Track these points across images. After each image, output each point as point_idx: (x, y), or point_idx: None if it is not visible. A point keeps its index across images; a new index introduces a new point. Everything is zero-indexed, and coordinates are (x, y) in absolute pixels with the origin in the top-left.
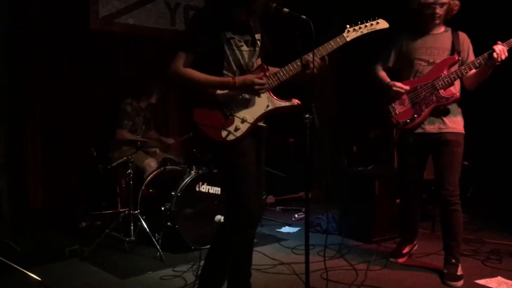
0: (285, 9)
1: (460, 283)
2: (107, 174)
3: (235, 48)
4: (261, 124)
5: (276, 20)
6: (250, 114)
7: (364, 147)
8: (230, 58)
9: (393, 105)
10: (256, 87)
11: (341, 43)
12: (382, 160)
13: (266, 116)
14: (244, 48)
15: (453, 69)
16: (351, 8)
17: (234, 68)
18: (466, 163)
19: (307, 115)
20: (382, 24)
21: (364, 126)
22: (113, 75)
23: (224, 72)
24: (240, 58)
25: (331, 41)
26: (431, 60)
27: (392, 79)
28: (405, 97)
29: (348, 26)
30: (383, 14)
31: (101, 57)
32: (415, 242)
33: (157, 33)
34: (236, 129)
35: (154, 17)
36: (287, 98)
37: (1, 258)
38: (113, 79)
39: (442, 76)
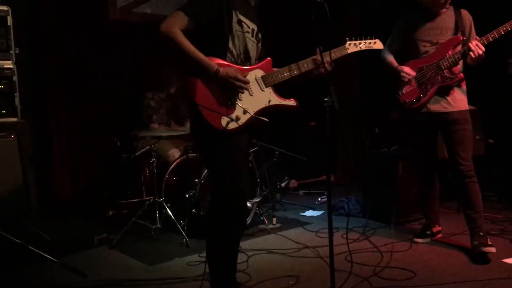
0: None
1: (494, 249)
2: (132, 163)
3: (244, 32)
4: (262, 118)
5: (291, 3)
6: (252, 105)
7: (386, 128)
8: (236, 41)
9: (400, 85)
10: (237, 83)
11: (342, 54)
12: (405, 141)
13: (266, 111)
14: (250, 36)
15: (457, 49)
16: None
17: (239, 52)
18: (491, 141)
19: (327, 99)
20: (378, 45)
21: (386, 108)
22: (132, 64)
23: (228, 55)
24: (246, 44)
25: (332, 51)
26: (434, 41)
27: (400, 61)
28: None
29: (347, 39)
30: None
31: (120, 47)
32: (439, 224)
33: None
34: (237, 118)
35: (172, 5)
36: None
37: (32, 248)
38: (133, 69)
39: (447, 56)
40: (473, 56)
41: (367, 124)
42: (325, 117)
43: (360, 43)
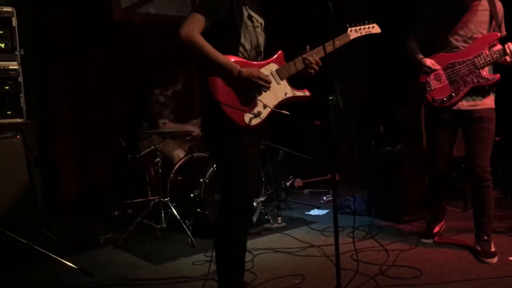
0: None
1: (495, 259)
2: (136, 163)
3: (255, 27)
4: (283, 111)
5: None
6: (271, 99)
7: (391, 126)
8: (248, 36)
9: (429, 80)
10: (261, 82)
11: (346, 41)
12: (410, 139)
13: (283, 103)
14: (259, 31)
15: (495, 47)
16: None
17: (251, 47)
18: (497, 138)
19: (331, 97)
20: (376, 29)
21: (390, 105)
22: (136, 64)
23: (240, 50)
24: (257, 38)
25: (336, 39)
26: (469, 35)
27: (425, 51)
28: (441, 72)
29: (348, 25)
30: None
31: (124, 47)
32: (444, 221)
33: (179, 21)
34: (259, 113)
35: (176, 5)
36: (301, 87)
37: (38, 248)
38: (137, 69)
39: (484, 54)
40: (508, 60)
41: (372, 122)
42: (329, 115)
43: (360, 29)
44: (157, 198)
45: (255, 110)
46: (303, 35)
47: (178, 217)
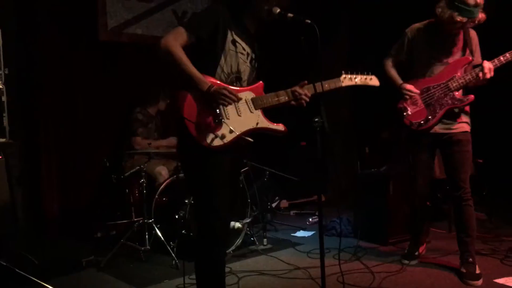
0: (289, 14)
1: (480, 282)
2: (120, 184)
3: (238, 52)
4: (248, 138)
5: (280, 24)
6: (239, 125)
7: (376, 148)
8: (229, 60)
9: (405, 105)
10: (222, 97)
11: (336, 87)
12: (395, 161)
13: (252, 132)
14: (244, 59)
15: (466, 70)
16: (359, 8)
17: (230, 71)
18: (480, 160)
19: (317, 119)
20: (374, 81)
21: (376, 127)
22: (122, 84)
23: (218, 71)
24: (238, 64)
25: (326, 82)
26: (443, 60)
27: (401, 75)
28: (417, 97)
29: (343, 72)
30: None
31: (110, 67)
32: (427, 241)
33: None
34: (223, 136)
35: (162, 26)
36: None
37: (19, 271)
38: (123, 88)
39: (456, 77)
40: (481, 77)
41: (358, 143)
42: (315, 137)
43: (355, 78)
44: (141, 220)
45: (220, 132)
46: (291, 66)
47: (163, 238)
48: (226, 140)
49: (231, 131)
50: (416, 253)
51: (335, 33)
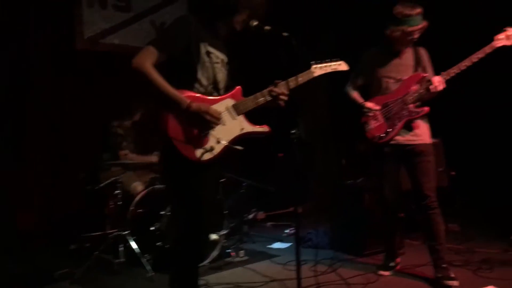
0: (266, 27)
1: (457, 282)
2: (96, 195)
3: (212, 63)
4: (237, 147)
5: (257, 36)
6: (226, 135)
7: (353, 160)
8: (205, 72)
9: (368, 120)
10: (208, 117)
11: (309, 78)
12: (371, 173)
13: (239, 139)
14: (220, 66)
15: (421, 85)
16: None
17: (207, 82)
18: (453, 173)
19: (294, 130)
20: (343, 66)
21: (353, 139)
22: (99, 94)
23: (196, 85)
24: (215, 74)
25: (299, 75)
26: (398, 77)
27: (361, 94)
28: (377, 112)
29: (313, 62)
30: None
31: (87, 77)
32: (401, 252)
33: None
34: (212, 149)
35: (140, 37)
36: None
37: None
38: (99, 99)
39: (411, 91)
40: (432, 90)
41: (335, 155)
42: (292, 149)
43: (326, 66)
44: (116, 231)
45: (208, 145)
46: (269, 69)
47: (138, 251)
48: (215, 152)
49: (218, 142)
50: (392, 264)
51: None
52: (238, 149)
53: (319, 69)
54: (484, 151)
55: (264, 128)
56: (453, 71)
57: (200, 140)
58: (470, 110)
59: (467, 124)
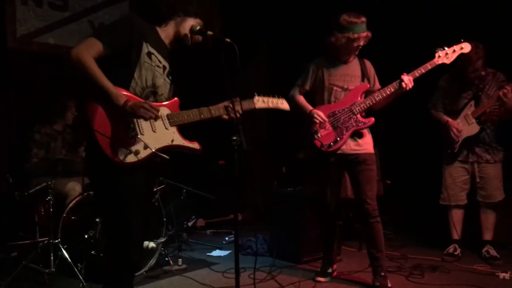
0: (209, 32)
1: None
2: (25, 201)
3: (153, 65)
4: (163, 155)
5: (200, 42)
6: (154, 142)
7: (293, 168)
8: (144, 73)
9: (316, 128)
10: (142, 110)
11: (250, 108)
12: (310, 181)
13: (168, 150)
14: (161, 72)
15: (367, 95)
16: (278, 32)
17: (144, 85)
18: (388, 182)
19: (235, 137)
20: (285, 105)
21: (293, 147)
22: (30, 96)
23: (132, 84)
24: (154, 77)
25: (242, 102)
26: (345, 86)
27: (307, 100)
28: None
29: (256, 94)
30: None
31: (18, 77)
32: (338, 259)
33: None
34: (137, 152)
35: (77, 37)
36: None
37: None
38: (30, 101)
39: (358, 102)
40: (404, 88)
41: (275, 163)
42: (233, 156)
43: (268, 101)
44: (46, 240)
45: (134, 148)
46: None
47: (70, 260)
48: (140, 157)
49: (145, 147)
50: (329, 271)
51: (255, 53)
52: (164, 158)
53: (261, 102)
54: (415, 161)
55: (194, 145)
56: (419, 71)
57: (126, 141)
58: (403, 123)
59: (404, 136)
